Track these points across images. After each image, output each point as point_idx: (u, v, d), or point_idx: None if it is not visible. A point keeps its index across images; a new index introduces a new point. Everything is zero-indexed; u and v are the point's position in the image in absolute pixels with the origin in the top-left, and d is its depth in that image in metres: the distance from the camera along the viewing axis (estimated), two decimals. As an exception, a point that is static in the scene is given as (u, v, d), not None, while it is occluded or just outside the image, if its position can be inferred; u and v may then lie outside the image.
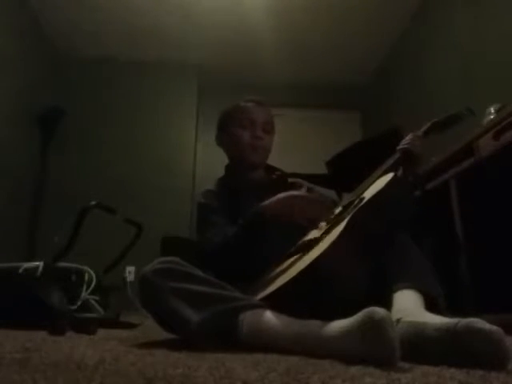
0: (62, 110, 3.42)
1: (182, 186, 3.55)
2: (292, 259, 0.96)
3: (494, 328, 0.60)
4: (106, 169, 3.51)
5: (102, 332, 1.21)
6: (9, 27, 2.97)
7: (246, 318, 0.81)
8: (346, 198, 1.20)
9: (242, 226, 1.09)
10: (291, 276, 0.83)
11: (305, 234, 1.09)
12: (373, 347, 0.60)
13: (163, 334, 0.95)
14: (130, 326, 1.52)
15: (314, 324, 0.73)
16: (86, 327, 1.16)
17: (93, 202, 1.77)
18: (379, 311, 0.62)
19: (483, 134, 1.60)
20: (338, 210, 1.10)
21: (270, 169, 1.40)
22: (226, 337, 0.82)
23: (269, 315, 0.80)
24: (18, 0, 3.10)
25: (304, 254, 0.92)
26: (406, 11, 3.23)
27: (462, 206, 1.72)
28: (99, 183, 3.37)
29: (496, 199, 1.52)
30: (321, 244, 0.90)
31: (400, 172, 1.17)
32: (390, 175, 1.04)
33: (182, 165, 3.64)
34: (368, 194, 1.03)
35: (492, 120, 1.61)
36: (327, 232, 0.96)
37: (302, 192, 1.13)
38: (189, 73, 3.87)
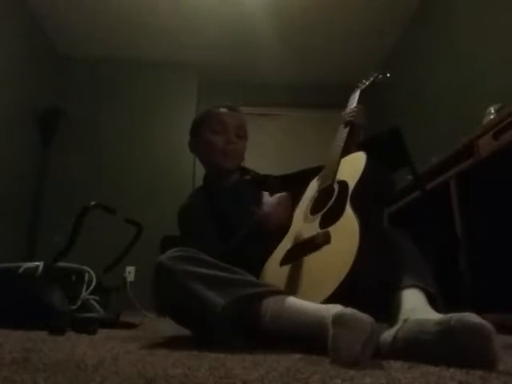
0: (62, 110, 3.42)
1: (181, 185, 3.54)
2: (308, 259, 0.92)
3: (484, 323, 0.60)
4: (105, 169, 3.51)
5: (102, 332, 1.21)
6: (9, 27, 2.97)
7: (270, 303, 0.81)
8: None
9: (245, 236, 1.09)
10: (341, 277, 0.79)
11: (283, 234, 1.10)
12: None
13: (163, 334, 0.95)
14: (130, 325, 1.52)
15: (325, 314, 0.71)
16: (85, 327, 1.16)
17: (93, 202, 1.77)
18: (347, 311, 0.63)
19: (483, 134, 1.60)
20: (311, 197, 1.11)
21: (244, 171, 1.41)
22: (248, 322, 0.81)
23: (291, 301, 0.80)
24: (18, 0, 3.10)
25: (317, 252, 0.90)
26: (405, 11, 3.23)
27: (461, 206, 1.72)
28: (99, 183, 3.38)
29: (496, 199, 1.52)
30: (339, 239, 0.87)
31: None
32: (363, 154, 1.05)
33: (182, 165, 3.64)
34: (348, 176, 1.03)
35: (492, 120, 1.61)
36: (325, 224, 0.94)
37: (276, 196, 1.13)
38: (189, 73, 3.86)
